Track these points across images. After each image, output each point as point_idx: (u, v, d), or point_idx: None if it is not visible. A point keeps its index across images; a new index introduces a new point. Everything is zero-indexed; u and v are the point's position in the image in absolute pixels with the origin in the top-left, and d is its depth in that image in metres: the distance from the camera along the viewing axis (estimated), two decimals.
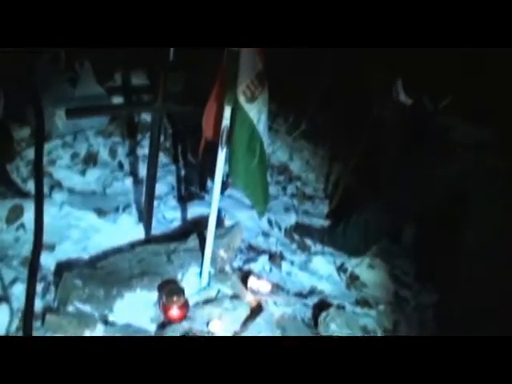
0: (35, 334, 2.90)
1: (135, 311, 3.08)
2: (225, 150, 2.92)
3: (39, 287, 3.20)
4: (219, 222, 3.64)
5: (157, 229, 3.77)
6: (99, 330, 2.97)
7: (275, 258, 3.89)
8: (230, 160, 2.95)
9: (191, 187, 4.32)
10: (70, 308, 3.03)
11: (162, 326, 3.05)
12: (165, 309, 3.04)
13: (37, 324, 2.98)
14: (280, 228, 4.27)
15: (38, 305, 3.10)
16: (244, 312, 3.18)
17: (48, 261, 3.39)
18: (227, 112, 2.84)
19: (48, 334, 2.93)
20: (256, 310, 3.20)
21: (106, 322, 3.02)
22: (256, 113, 2.87)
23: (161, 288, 3.12)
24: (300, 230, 4.27)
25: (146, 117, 4.58)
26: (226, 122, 2.85)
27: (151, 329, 3.05)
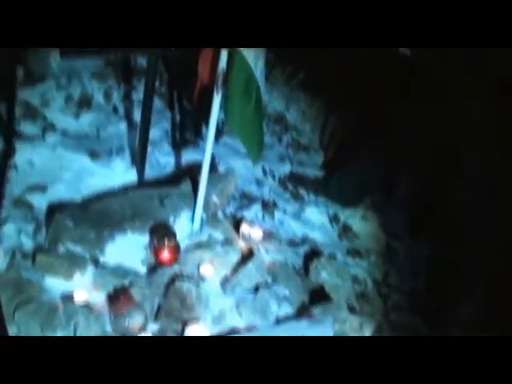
0: (25, 274, 2.91)
1: (126, 253, 3.10)
2: (220, 93, 2.89)
3: (30, 227, 3.20)
4: (213, 168, 3.62)
5: (150, 174, 3.74)
6: (90, 271, 2.98)
7: (268, 207, 3.89)
8: (225, 104, 2.91)
9: (186, 133, 4.28)
10: (61, 248, 3.03)
11: (153, 268, 3.06)
12: (156, 251, 3.04)
13: (27, 264, 2.99)
14: (274, 177, 4.25)
15: (29, 245, 3.11)
16: (235, 257, 3.19)
17: (40, 202, 3.38)
18: (224, 55, 2.79)
19: (39, 274, 2.93)
20: (247, 256, 3.21)
21: (96, 264, 3.03)
22: (253, 58, 2.82)
23: (152, 231, 3.12)
24: (294, 180, 4.26)
25: (142, 61, 4.51)
26: (222, 65, 2.81)
27: (142, 271, 3.06)
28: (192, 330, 2.76)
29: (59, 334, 2.73)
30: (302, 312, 3.08)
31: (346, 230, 3.97)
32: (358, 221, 4.06)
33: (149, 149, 3.66)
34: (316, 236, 3.83)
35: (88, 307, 2.81)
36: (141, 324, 2.77)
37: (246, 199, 3.89)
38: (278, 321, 3.02)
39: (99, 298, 2.90)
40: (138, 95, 4.35)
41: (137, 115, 4.13)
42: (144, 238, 3.14)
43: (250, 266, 3.11)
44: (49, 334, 2.72)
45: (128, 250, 3.10)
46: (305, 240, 3.74)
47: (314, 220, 3.98)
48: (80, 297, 2.85)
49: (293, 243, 3.65)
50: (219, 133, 4.06)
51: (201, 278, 3.03)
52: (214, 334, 2.84)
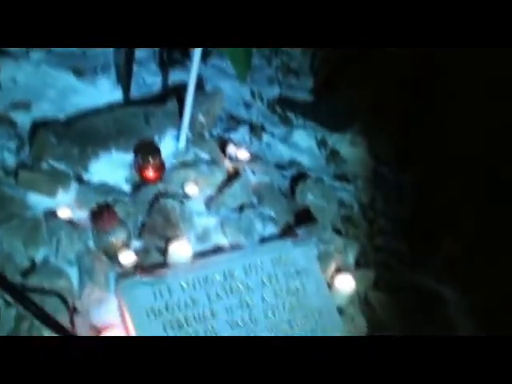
0: (8, 190, 2.88)
1: (110, 171, 3.07)
2: None
3: (13, 144, 3.16)
4: (200, 88, 3.55)
5: (136, 93, 3.67)
6: (73, 189, 2.96)
7: (256, 130, 3.83)
8: None
9: (173, 53, 4.18)
10: (44, 165, 3.00)
11: (137, 186, 3.03)
12: (140, 169, 3.01)
13: (10, 181, 2.96)
14: (262, 100, 4.18)
15: (12, 162, 3.09)
16: (220, 177, 3.16)
17: (23, 119, 3.32)
18: None
19: (21, 191, 2.90)
20: (233, 176, 3.17)
21: (80, 181, 3.00)
22: None
23: (137, 149, 3.08)
24: (283, 103, 4.19)
25: None
26: None
27: (126, 189, 3.04)
28: (175, 247, 2.75)
29: (41, 250, 2.73)
30: (286, 233, 3.07)
31: (333, 155, 3.93)
32: (346, 146, 4.02)
33: (135, 68, 3.60)
34: (303, 160, 3.79)
35: (71, 224, 2.79)
36: (124, 240, 2.76)
37: (234, 121, 3.83)
38: (263, 240, 3.02)
39: (82, 215, 2.88)
40: None
41: None
42: (128, 156, 3.10)
43: (236, 185, 3.08)
44: (31, 250, 2.72)
45: (112, 167, 3.08)
46: (292, 163, 3.71)
47: (302, 144, 3.93)
48: (63, 214, 2.83)
49: (280, 166, 3.61)
50: (207, 53, 3.98)
51: (185, 197, 3.01)
52: (197, 252, 2.84)
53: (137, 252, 2.78)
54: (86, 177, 3.03)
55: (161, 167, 3.03)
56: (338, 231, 3.30)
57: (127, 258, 2.72)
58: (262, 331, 2.69)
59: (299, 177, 3.50)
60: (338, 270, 3.01)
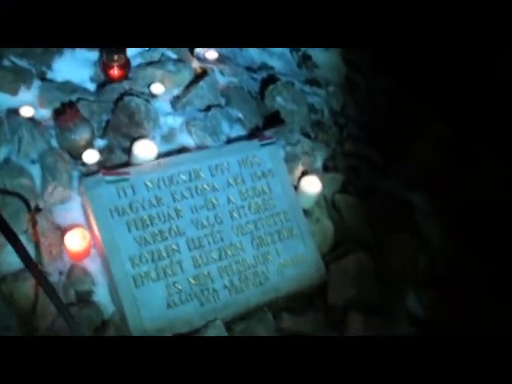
0: None
1: (74, 69, 2.99)
2: None
3: None
4: None
5: None
6: (36, 86, 2.88)
7: None
8: None
9: None
10: (6, 62, 2.91)
11: (102, 85, 2.96)
12: (105, 67, 2.93)
13: None
14: None
15: None
16: (188, 76, 3.10)
17: None
18: None
19: None
20: (200, 76, 3.11)
21: (43, 79, 2.92)
22: None
23: None
24: None
25: None
26: None
27: (90, 87, 2.97)
28: (140, 147, 2.70)
29: (3, 149, 2.65)
30: (254, 134, 3.04)
31: (305, 59, 3.84)
32: (319, 51, 3.93)
33: None
34: (275, 64, 3.70)
35: (34, 122, 2.73)
36: (87, 139, 2.71)
37: None
38: (230, 141, 2.99)
39: (45, 114, 2.82)
40: None
41: None
42: (93, 54, 3.02)
43: (203, 85, 3.02)
44: None
45: (76, 65, 3.00)
46: (263, 67, 3.62)
47: (274, 48, 3.84)
48: (25, 112, 2.75)
49: (250, 69, 3.53)
50: None
51: (151, 96, 2.95)
52: (162, 151, 2.80)
53: (101, 151, 2.73)
54: (49, 74, 2.95)
55: (126, 65, 2.95)
56: (306, 135, 3.26)
57: (91, 156, 2.68)
58: (228, 231, 2.69)
59: (269, 80, 3.43)
60: (305, 173, 3.00)
